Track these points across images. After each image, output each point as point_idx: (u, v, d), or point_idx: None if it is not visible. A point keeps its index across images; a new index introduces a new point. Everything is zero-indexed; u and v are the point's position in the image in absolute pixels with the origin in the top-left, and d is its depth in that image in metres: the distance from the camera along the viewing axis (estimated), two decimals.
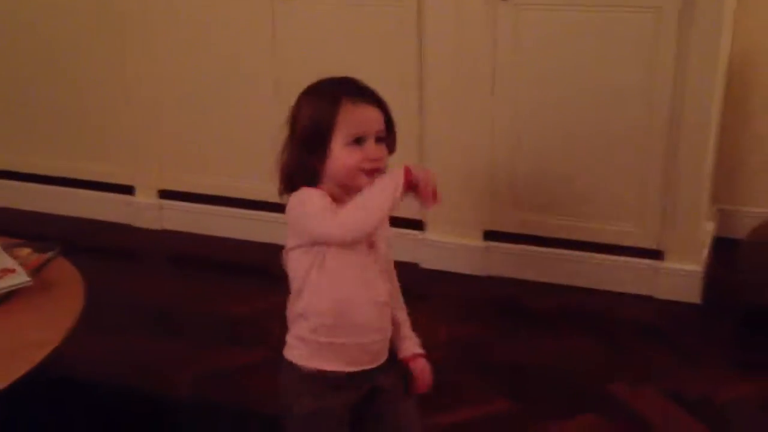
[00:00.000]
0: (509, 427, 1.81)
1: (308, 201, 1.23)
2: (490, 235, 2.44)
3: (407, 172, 1.20)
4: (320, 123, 1.24)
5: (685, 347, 2.10)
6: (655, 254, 2.31)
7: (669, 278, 2.30)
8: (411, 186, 1.20)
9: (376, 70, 2.40)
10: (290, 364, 1.29)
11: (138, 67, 2.71)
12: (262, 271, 2.56)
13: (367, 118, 1.25)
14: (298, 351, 1.29)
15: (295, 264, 1.28)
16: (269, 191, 2.60)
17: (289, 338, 1.31)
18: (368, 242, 1.27)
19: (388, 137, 1.28)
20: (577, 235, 2.35)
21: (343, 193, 1.25)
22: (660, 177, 2.23)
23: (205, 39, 2.60)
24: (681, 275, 2.29)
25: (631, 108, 2.19)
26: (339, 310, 1.26)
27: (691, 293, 2.29)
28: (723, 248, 2.47)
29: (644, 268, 2.32)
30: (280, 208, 2.61)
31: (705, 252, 2.35)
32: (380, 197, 1.20)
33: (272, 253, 2.72)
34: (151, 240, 2.83)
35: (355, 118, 1.24)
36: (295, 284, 1.29)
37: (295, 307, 1.29)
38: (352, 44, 2.42)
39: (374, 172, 1.24)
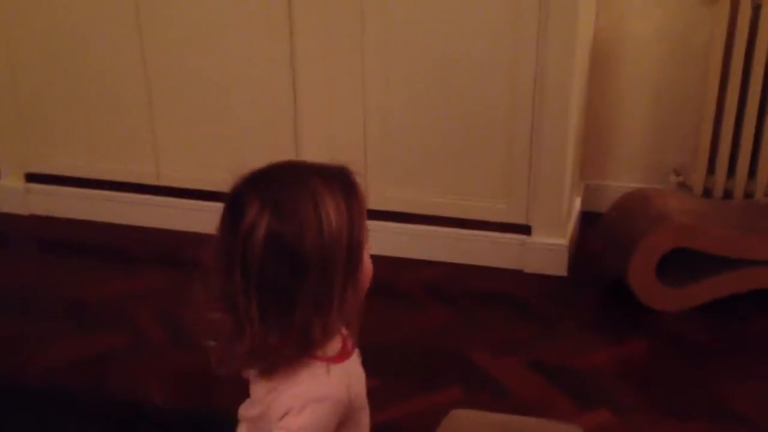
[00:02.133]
0: (371, 404, 1.82)
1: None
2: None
3: None
4: (353, 223, 0.95)
5: (548, 318, 2.16)
6: (524, 229, 2.37)
7: (536, 252, 2.35)
8: None
9: (247, 50, 2.39)
10: None
11: None
12: (126, 255, 2.52)
13: None
14: None
15: None
16: (140, 172, 2.65)
17: None
18: None
19: None
20: (447, 212, 2.38)
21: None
22: (526, 154, 2.27)
23: (58, 14, 2.50)
24: (548, 249, 2.34)
25: (497, 84, 2.22)
26: None
27: (557, 266, 2.35)
28: (590, 222, 2.54)
29: (513, 243, 2.37)
30: (151, 190, 2.63)
31: (571, 226, 2.42)
32: None
33: (139, 236, 2.68)
34: (17, 225, 2.72)
35: (364, 203, 1.00)
36: None
37: None
38: (217, 18, 2.37)
39: None
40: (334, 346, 1.04)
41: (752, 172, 2.50)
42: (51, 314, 2.19)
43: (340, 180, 0.99)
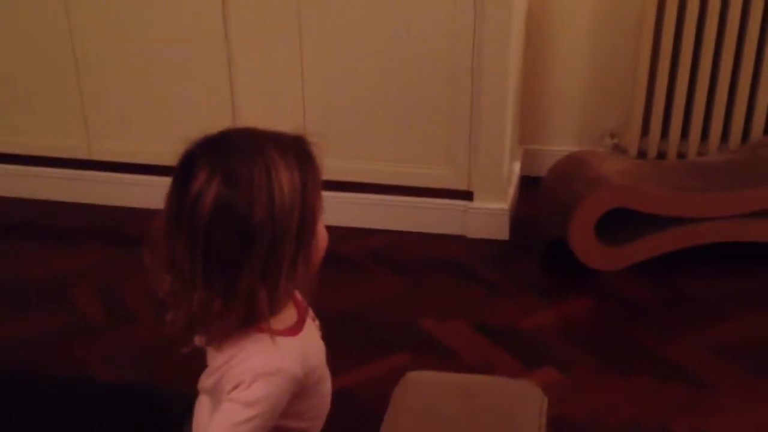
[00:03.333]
0: None
1: (264, 400, 0.95)
2: None
3: None
4: (306, 193, 0.93)
5: (491, 282, 2.18)
6: (466, 195, 2.38)
7: (478, 218, 2.37)
8: None
9: (180, 18, 2.33)
10: None
11: None
12: (60, 233, 2.45)
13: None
14: None
15: None
16: (71, 147, 2.57)
17: None
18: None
19: None
20: (388, 180, 2.38)
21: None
22: (466, 121, 2.28)
23: None
24: (489, 214, 2.36)
25: (437, 52, 2.22)
26: None
27: (499, 231, 2.38)
28: (529, 186, 2.57)
29: (455, 209, 2.38)
30: (83, 164, 2.55)
31: (512, 191, 2.44)
32: None
33: (72, 212, 2.61)
34: None
35: (320, 174, 0.98)
36: None
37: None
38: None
39: None
40: (287, 317, 1.02)
41: (684, 133, 2.56)
42: None
43: (296, 149, 0.97)
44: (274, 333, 0.97)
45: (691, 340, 1.93)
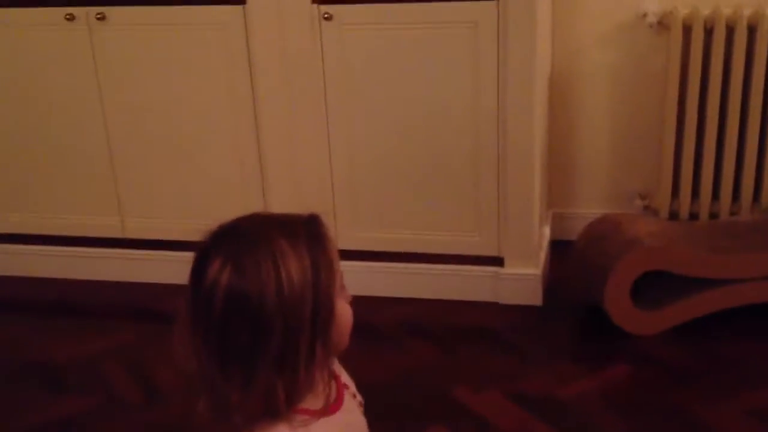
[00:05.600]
0: None
1: None
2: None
3: None
4: (319, 279, 0.92)
5: (526, 349, 2.15)
6: (497, 261, 2.37)
7: (509, 283, 2.35)
8: None
9: (210, 100, 2.39)
10: None
11: None
12: (93, 312, 2.47)
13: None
14: None
15: None
16: (104, 226, 2.61)
17: None
18: None
19: None
20: (418, 248, 2.38)
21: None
22: (494, 187, 2.28)
23: (24, 77, 2.48)
24: (521, 279, 2.35)
25: (461, 120, 2.24)
26: None
27: (532, 296, 2.35)
28: (560, 250, 2.55)
29: (486, 275, 2.37)
30: (115, 243, 2.58)
31: (542, 255, 2.43)
32: None
33: (105, 291, 2.62)
34: None
35: (334, 253, 0.97)
36: None
37: None
38: (178, 71, 2.37)
39: None
40: (322, 397, 1.00)
41: (715, 193, 2.54)
42: (18, 377, 2.13)
43: (306, 232, 0.95)
44: (307, 414, 0.96)
45: (730, 404, 1.88)
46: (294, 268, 0.91)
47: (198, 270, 0.94)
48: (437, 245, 2.38)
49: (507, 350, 2.15)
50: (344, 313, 0.98)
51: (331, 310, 0.94)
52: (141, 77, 2.39)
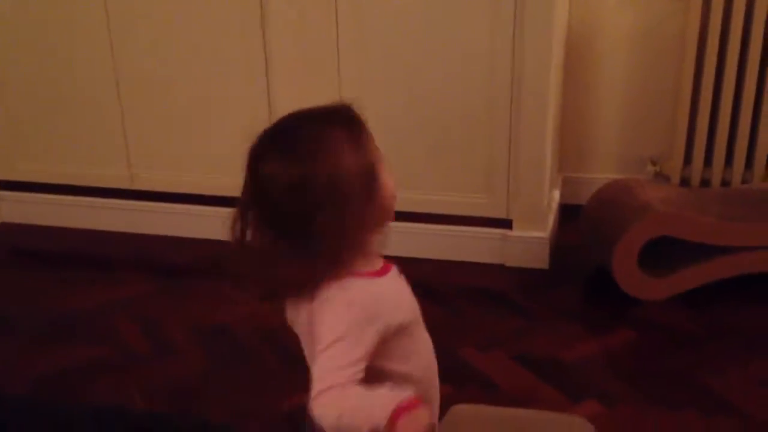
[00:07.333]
0: None
1: (346, 316, 1.01)
2: None
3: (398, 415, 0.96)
4: (363, 152, 1.05)
5: (532, 311, 2.16)
6: (505, 223, 2.36)
7: (517, 246, 2.35)
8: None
9: (221, 54, 2.36)
10: None
11: None
12: (104, 262, 2.48)
13: None
14: None
15: None
16: (113, 176, 2.61)
17: None
18: None
19: None
20: (427, 209, 2.37)
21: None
22: (505, 149, 2.27)
23: (31, 23, 2.45)
24: (529, 242, 2.35)
25: (475, 81, 2.22)
26: None
27: (538, 259, 2.35)
28: (569, 214, 2.55)
29: (494, 237, 2.37)
30: (125, 194, 2.59)
31: (551, 219, 2.42)
32: (368, 416, 0.96)
33: (115, 241, 2.64)
34: None
35: (369, 131, 1.09)
36: None
37: None
38: (189, 20, 2.34)
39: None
40: (371, 265, 1.09)
41: (728, 160, 2.52)
42: (30, 326, 2.15)
43: (344, 115, 1.07)
44: (361, 276, 1.05)
45: (737, 372, 1.88)
46: (342, 144, 1.03)
47: (253, 164, 1.04)
48: (446, 206, 2.37)
49: (513, 312, 2.16)
50: (388, 182, 1.09)
51: (376, 177, 1.05)
52: (152, 25, 2.37)
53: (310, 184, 1.00)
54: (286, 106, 2.55)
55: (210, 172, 2.42)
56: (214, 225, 2.49)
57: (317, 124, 1.05)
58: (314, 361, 1.00)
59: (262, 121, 2.45)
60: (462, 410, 1.24)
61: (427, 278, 2.33)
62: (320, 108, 1.08)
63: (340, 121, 1.06)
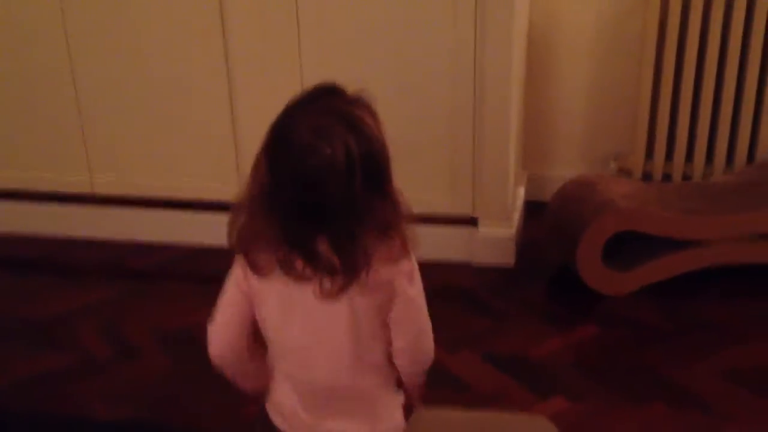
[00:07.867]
0: None
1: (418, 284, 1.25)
2: None
3: None
4: (380, 130, 1.19)
5: (499, 310, 2.16)
6: (470, 221, 2.36)
7: (483, 244, 2.35)
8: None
9: (179, 54, 2.33)
10: None
11: None
12: (64, 269, 2.44)
13: None
14: None
15: None
16: (73, 182, 2.56)
17: None
18: None
19: None
20: None
21: None
22: (469, 147, 2.26)
23: None
24: (494, 240, 2.35)
25: (438, 79, 2.20)
26: None
27: (504, 257, 2.36)
28: (534, 212, 2.55)
29: (460, 235, 2.36)
30: (86, 199, 2.54)
31: (517, 216, 2.43)
32: None
33: (76, 248, 2.59)
34: None
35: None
36: None
37: None
38: (150, 31, 2.31)
39: None
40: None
41: (689, 155, 2.55)
42: None
43: (363, 100, 1.19)
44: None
45: (703, 365, 1.90)
46: (371, 121, 1.14)
47: (279, 144, 1.13)
48: (410, 204, 2.36)
49: (479, 310, 2.16)
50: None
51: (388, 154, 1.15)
52: (109, 27, 2.32)
53: (371, 157, 1.12)
54: (247, 108, 2.53)
55: (171, 175, 2.39)
56: (175, 228, 2.46)
57: (346, 100, 1.17)
58: (418, 317, 1.23)
59: (222, 124, 2.42)
60: (426, 416, 1.23)
61: None
62: (348, 94, 1.19)
63: (363, 103, 1.17)
